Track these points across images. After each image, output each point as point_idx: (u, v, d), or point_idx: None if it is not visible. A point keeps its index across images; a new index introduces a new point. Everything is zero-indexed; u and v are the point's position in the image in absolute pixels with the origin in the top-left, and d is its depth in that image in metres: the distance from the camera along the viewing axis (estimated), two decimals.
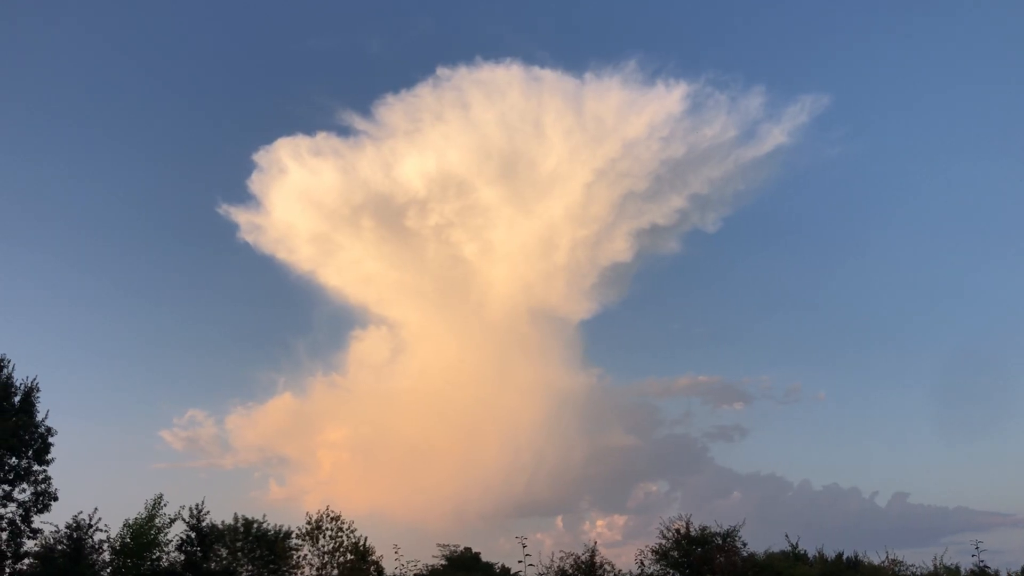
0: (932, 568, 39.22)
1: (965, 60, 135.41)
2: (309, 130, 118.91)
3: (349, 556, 40.20)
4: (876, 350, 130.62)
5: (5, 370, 36.85)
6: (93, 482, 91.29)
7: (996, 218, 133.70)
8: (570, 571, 41.26)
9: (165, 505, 38.62)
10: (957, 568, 39.66)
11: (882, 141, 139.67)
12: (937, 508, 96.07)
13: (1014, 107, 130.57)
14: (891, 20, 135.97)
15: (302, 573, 41.04)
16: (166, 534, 38.41)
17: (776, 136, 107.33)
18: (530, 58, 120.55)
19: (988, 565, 40.42)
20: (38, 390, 37.42)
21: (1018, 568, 44.75)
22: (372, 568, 40.54)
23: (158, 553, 38.04)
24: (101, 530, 36.78)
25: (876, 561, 41.30)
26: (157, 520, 38.09)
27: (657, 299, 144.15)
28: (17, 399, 36.71)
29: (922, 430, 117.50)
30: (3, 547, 35.13)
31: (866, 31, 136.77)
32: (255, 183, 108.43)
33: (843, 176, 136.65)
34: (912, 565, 39.80)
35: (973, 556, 39.32)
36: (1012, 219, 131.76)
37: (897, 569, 39.43)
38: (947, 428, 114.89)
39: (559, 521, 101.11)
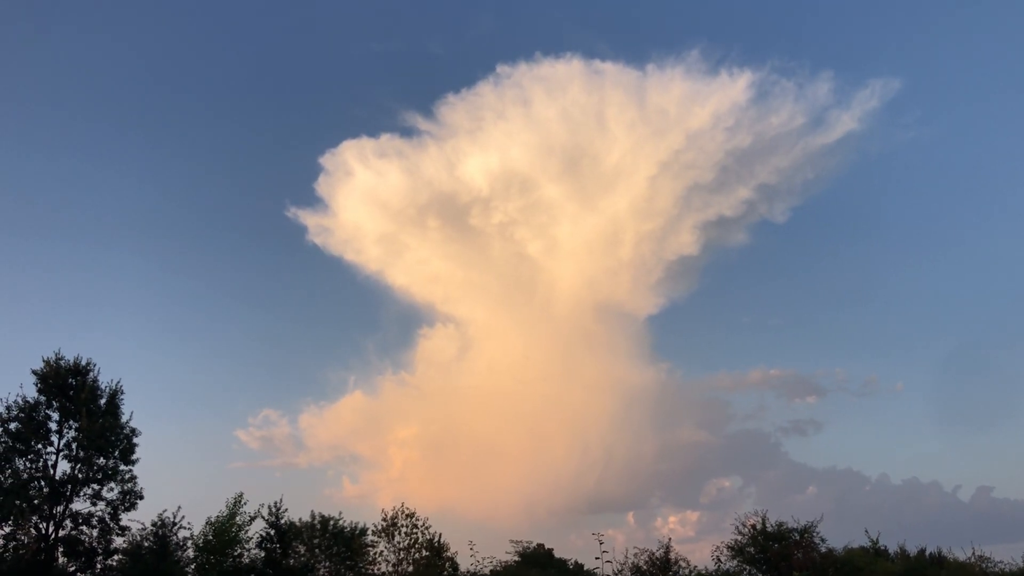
0: (1022, 564, 37.92)
1: None
2: (373, 132, 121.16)
3: (424, 552, 40.59)
4: (954, 340, 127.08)
5: (92, 374, 38.11)
6: (175, 481, 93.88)
7: None
8: (645, 568, 41.02)
9: (245, 503, 39.61)
10: None
11: (957, 125, 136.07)
12: None
13: None
14: None
15: (378, 569, 41.56)
16: (246, 531, 39.35)
17: (846, 122, 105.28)
18: (590, 52, 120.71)
19: None
20: (122, 392, 38.65)
21: None
22: (447, 564, 40.86)
23: (239, 550, 38.98)
24: (185, 528, 37.86)
25: (961, 557, 40.08)
26: (238, 518, 39.02)
27: (726, 292, 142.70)
28: (103, 401, 37.93)
29: (1006, 421, 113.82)
30: (94, 544, 36.37)
31: (935, 10, 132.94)
32: (322, 186, 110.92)
33: (917, 162, 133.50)
34: (1000, 562, 38.57)
35: None
36: None
37: (984, 566, 38.21)
38: None
39: (630, 517, 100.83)
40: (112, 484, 37.11)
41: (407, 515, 41.45)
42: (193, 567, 37.90)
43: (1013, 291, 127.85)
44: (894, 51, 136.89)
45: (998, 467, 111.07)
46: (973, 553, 39.44)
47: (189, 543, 37.99)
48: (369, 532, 42.44)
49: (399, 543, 41.10)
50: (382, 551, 41.60)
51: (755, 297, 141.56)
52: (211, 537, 38.17)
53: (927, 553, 44.04)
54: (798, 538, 40.69)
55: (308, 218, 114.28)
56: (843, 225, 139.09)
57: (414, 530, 41.16)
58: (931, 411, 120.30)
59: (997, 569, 38.02)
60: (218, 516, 38.84)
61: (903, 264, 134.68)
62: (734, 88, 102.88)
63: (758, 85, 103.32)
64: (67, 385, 37.32)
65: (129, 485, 37.58)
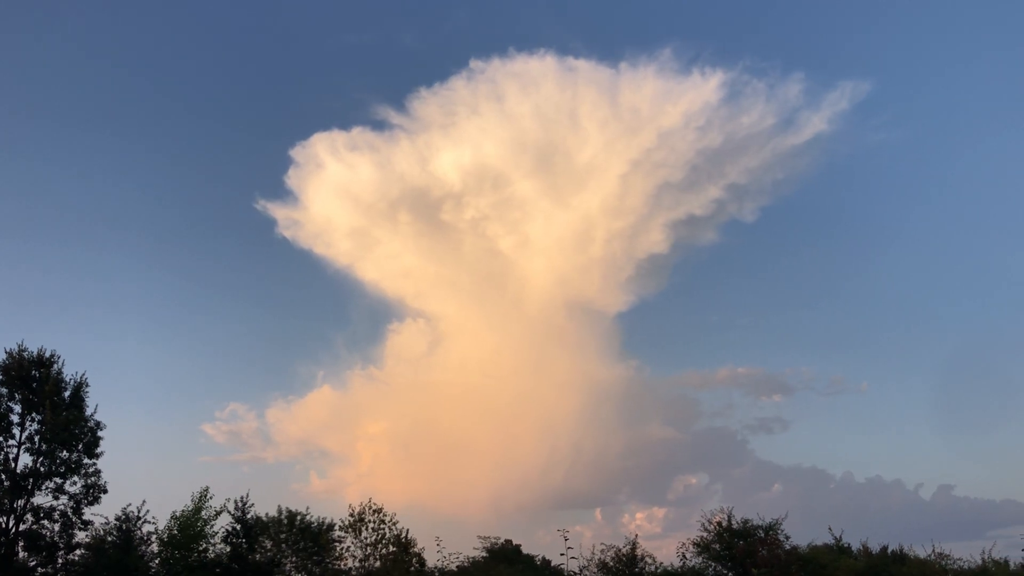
0: (980, 562, 38.52)
1: (1010, 43, 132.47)
2: (345, 125, 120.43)
3: (391, 548, 40.48)
4: (920, 340, 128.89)
5: (56, 366, 37.66)
6: (140, 475, 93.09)
7: None
8: (611, 564, 41.21)
9: (211, 498, 39.31)
10: (1006, 562, 38.89)
11: (925, 128, 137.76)
12: (984, 501, 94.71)
13: None
14: (931, 2, 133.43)
15: (345, 565, 41.43)
16: (212, 526, 39.07)
17: (816, 124, 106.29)
18: (564, 49, 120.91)
19: None
20: (87, 385, 38.25)
21: None
22: (414, 560, 40.80)
23: (205, 545, 38.66)
24: (149, 522, 37.67)
25: (922, 555, 40.65)
26: (203, 512, 38.69)
27: (695, 290, 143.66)
28: (67, 394, 37.50)
29: (967, 421, 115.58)
30: (56, 538, 35.96)
31: (906, 14, 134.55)
32: (292, 179, 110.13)
33: (885, 164, 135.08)
34: (959, 559, 39.13)
35: (1023, 550, 38.74)
36: None
37: (944, 563, 38.77)
38: (993, 419, 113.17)
39: (598, 513, 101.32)
40: (75, 478, 36.78)
41: (375, 510, 41.31)
42: (157, 562, 37.56)
43: (977, 292, 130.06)
44: (864, 54, 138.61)
45: (959, 466, 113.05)
46: (933, 550, 40.00)
47: (153, 538, 37.74)
48: (336, 527, 42.32)
49: (366, 538, 40.95)
50: (349, 546, 41.50)
51: (724, 296, 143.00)
52: (176, 532, 37.83)
53: (889, 550, 44.57)
54: (763, 535, 41.07)
55: (278, 211, 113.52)
56: (812, 225, 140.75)
57: (381, 525, 41.02)
58: (895, 410, 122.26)
59: (956, 566, 38.57)
60: (183, 510, 38.50)
61: (870, 265, 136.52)
62: (706, 87, 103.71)
63: (730, 85, 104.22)
64: (30, 377, 36.88)
65: (93, 479, 37.26)
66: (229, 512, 40.08)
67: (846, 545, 44.85)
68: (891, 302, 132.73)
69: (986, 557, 38.71)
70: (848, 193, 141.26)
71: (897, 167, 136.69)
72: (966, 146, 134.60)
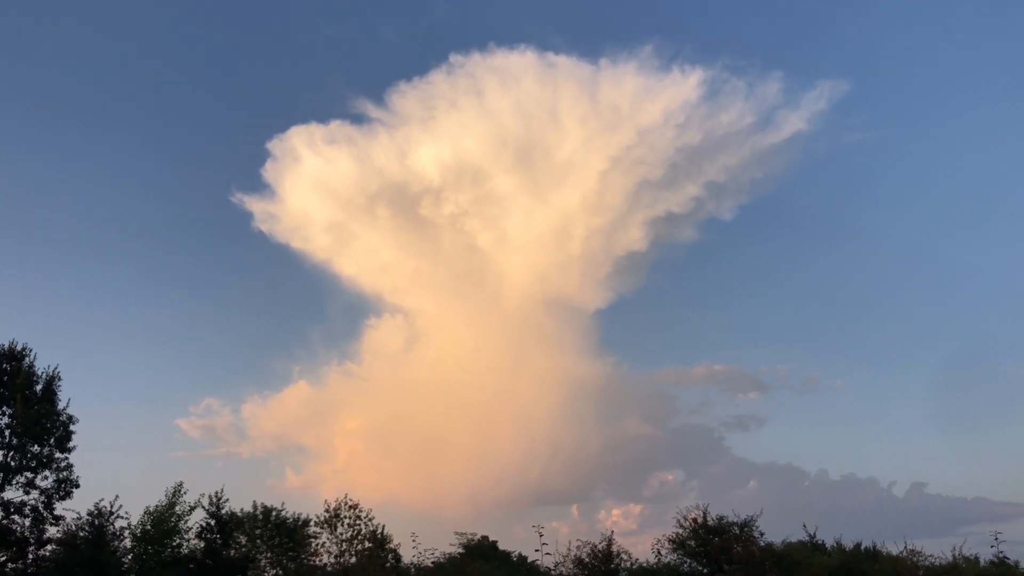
0: (951, 559, 38.94)
1: (988, 46, 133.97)
2: (323, 118, 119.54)
3: (367, 544, 40.36)
4: (895, 339, 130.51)
5: (27, 359, 37.21)
6: (115, 470, 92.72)
7: (1020, 206, 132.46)
8: (587, 560, 41.26)
9: (185, 493, 39.03)
10: (976, 559, 39.32)
11: (902, 128, 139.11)
12: (955, 498, 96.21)
13: None
14: (911, 3, 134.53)
15: (320, 561, 41.26)
16: (186, 522, 38.77)
17: (794, 123, 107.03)
18: (544, 44, 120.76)
19: (1008, 556, 40.22)
20: (59, 379, 37.80)
21: None
22: (390, 556, 40.70)
23: (178, 540, 38.37)
24: (122, 517, 37.21)
25: (894, 551, 41.04)
26: (177, 508, 38.40)
27: (673, 288, 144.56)
28: (39, 388, 37.05)
29: (940, 420, 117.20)
30: (26, 533, 35.54)
31: (885, 14, 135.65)
32: (269, 172, 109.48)
33: (862, 164, 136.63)
34: (931, 556, 39.52)
35: (992, 547, 39.17)
36: None
37: (916, 560, 39.15)
38: (965, 418, 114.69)
39: (575, 510, 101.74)
40: (47, 472, 36.35)
41: (350, 506, 41.17)
42: (130, 557, 37.22)
43: (952, 291, 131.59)
44: (843, 54, 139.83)
45: (932, 464, 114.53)
46: (905, 547, 40.36)
47: (126, 533, 37.35)
48: (312, 523, 42.13)
49: (342, 534, 40.80)
50: (324, 542, 41.31)
51: (701, 293, 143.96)
52: (149, 527, 37.51)
53: (862, 547, 45.04)
54: (738, 532, 41.30)
55: (254, 204, 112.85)
56: (789, 224, 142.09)
57: (357, 521, 40.88)
58: (869, 409, 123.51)
59: (927, 563, 38.96)
60: (157, 506, 38.21)
61: (846, 264, 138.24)
62: (685, 85, 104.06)
63: (709, 83, 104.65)
64: (1, 371, 36.37)
65: (65, 473, 36.87)
66: (203, 507, 39.81)
67: (820, 542, 45.19)
68: (866, 301, 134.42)
69: (957, 554, 39.16)
70: (825, 192, 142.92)
71: (874, 166, 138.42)
72: (942, 146, 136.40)
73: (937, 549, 40.32)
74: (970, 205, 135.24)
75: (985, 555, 39.42)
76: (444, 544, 48.19)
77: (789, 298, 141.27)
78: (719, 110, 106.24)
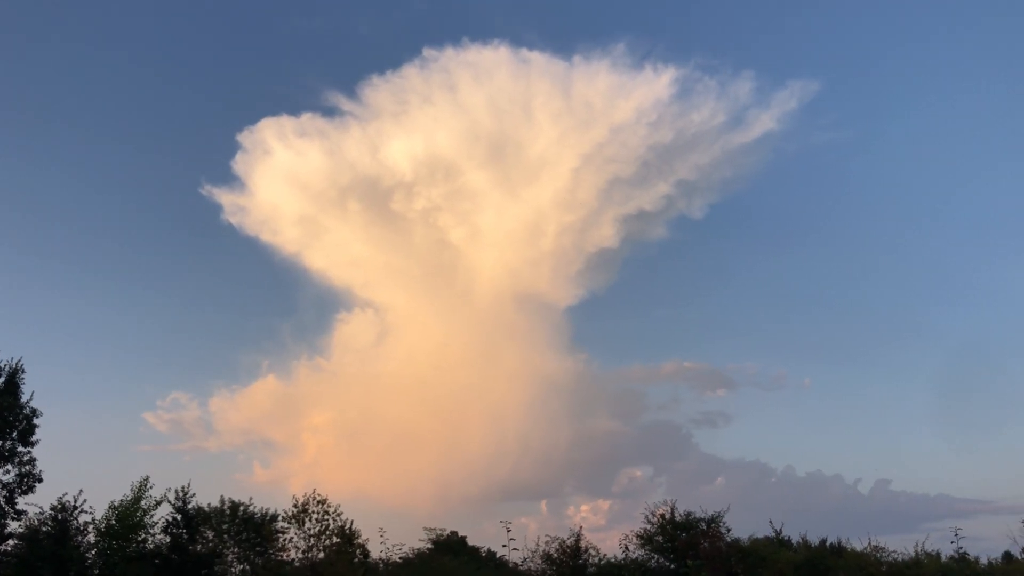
0: (914, 555, 39.54)
1: (957, 47, 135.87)
2: (294, 111, 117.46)
3: (335, 539, 40.22)
4: (861, 338, 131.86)
5: None
6: (79, 464, 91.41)
7: (986, 210, 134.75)
8: (555, 555, 41.47)
9: (151, 487, 38.56)
10: (938, 554, 39.97)
11: (872, 129, 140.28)
12: (919, 495, 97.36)
13: (1010, 96, 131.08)
14: (881, 4, 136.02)
15: (288, 556, 41.05)
16: (152, 516, 38.32)
17: (765, 122, 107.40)
18: (518, 40, 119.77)
19: (968, 552, 40.96)
20: (23, 372, 37.25)
21: (998, 554, 45.31)
22: (358, 551, 40.58)
23: (143, 535, 37.96)
24: (86, 512, 36.71)
25: (859, 547, 41.59)
26: (143, 502, 37.96)
27: (644, 285, 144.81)
28: (1, 381, 36.51)
29: (905, 417, 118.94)
30: None
31: (855, 15, 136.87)
32: (239, 164, 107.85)
33: (832, 164, 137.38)
34: (894, 551, 40.06)
35: (952, 543, 39.89)
36: (1000, 211, 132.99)
37: (879, 555, 39.73)
38: (930, 415, 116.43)
39: (543, 505, 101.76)
40: (9, 466, 35.83)
41: (318, 501, 40.95)
42: (94, 552, 36.80)
43: (919, 291, 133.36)
44: (814, 54, 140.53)
45: (896, 461, 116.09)
46: (869, 543, 40.95)
47: (90, 528, 36.87)
48: (280, 518, 41.87)
49: (309, 529, 40.59)
50: (292, 537, 41.07)
51: (672, 291, 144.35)
52: (114, 522, 37.07)
53: (828, 543, 45.56)
54: (705, 528, 41.73)
55: (223, 197, 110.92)
56: (758, 223, 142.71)
57: (325, 517, 40.68)
58: (836, 406, 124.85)
59: (891, 559, 39.53)
60: (122, 500, 37.73)
61: (814, 263, 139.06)
62: (658, 83, 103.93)
63: (681, 82, 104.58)
64: None
65: (27, 467, 36.34)
66: (169, 502, 39.40)
67: (786, 538, 45.72)
68: (834, 300, 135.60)
69: (919, 550, 39.78)
70: (795, 191, 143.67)
71: (843, 166, 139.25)
72: (912, 146, 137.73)
73: (900, 545, 40.90)
74: (938, 205, 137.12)
75: (946, 551, 40.18)
76: (413, 539, 48.12)
77: (758, 296, 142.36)
78: (691, 109, 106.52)
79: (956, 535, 39.47)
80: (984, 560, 42.38)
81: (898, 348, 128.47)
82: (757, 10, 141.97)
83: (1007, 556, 44.40)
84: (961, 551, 40.16)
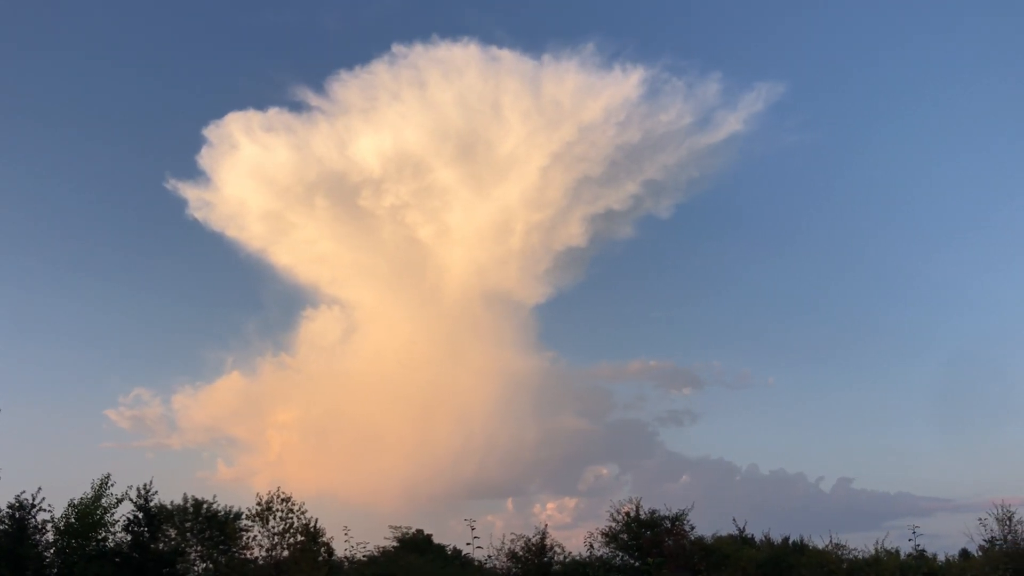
0: (873, 552, 40.17)
1: (923, 50, 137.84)
2: (261, 105, 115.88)
3: (299, 537, 39.92)
4: (824, 338, 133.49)
5: None
6: (38, 462, 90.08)
7: (945, 208, 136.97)
8: (520, 553, 41.56)
9: (112, 485, 37.96)
10: (897, 552, 40.69)
11: (837, 131, 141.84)
12: (880, 493, 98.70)
13: (974, 96, 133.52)
14: (846, 7, 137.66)
15: (252, 554, 40.73)
16: (113, 514, 37.75)
17: (732, 123, 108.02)
18: (488, 38, 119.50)
19: (925, 549, 41.76)
20: None
21: (956, 551, 46.23)
22: (322, 550, 40.35)
23: (104, 533, 37.40)
24: (45, 510, 36.09)
25: (820, 545, 42.18)
26: (104, 500, 37.40)
27: (611, 284, 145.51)
28: None
29: (867, 416, 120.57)
30: None
31: (822, 18, 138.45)
32: (205, 158, 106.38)
33: (797, 165, 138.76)
34: (855, 549, 40.74)
35: (910, 540, 40.64)
36: (961, 213, 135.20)
37: (840, 553, 40.31)
38: (891, 415, 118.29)
39: (510, 503, 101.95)
40: None
41: (283, 499, 40.61)
42: (53, 551, 36.25)
43: (881, 292, 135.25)
44: (780, 56, 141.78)
45: (858, 460, 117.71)
46: (831, 541, 41.56)
47: (49, 526, 36.26)
48: (243, 516, 41.52)
49: (273, 528, 40.24)
50: (256, 536, 40.71)
51: (638, 290, 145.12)
52: (73, 520, 36.51)
53: (790, 541, 46.22)
54: (670, 526, 42.05)
55: (189, 191, 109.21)
56: (724, 223, 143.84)
57: (290, 515, 40.34)
58: (799, 405, 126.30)
59: (851, 556, 40.14)
60: (82, 498, 37.14)
61: (779, 263, 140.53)
62: (626, 83, 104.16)
63: (650, 82, 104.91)
64: None
65: None
66: (131, 500, 38.83)
67: (749, 536, 46.32)
68: (798, 300, 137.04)
69: (879, 547, 40.45)
70: (761, 193, 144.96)
71: (809, 168, 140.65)
72: (877, 149, 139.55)
73: (862, 543, 41.48)
74: (902, 208, 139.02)
75: (906, 548, 40.95)
76: (379, 538, 47.99)
77: (723, 296, 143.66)
78: (659, 109, 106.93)
79: (914, 533, 40.32)
80: (942, 557, 43.37)
81: (861, 348, 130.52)
82: (725, 12, 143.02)
83: (964, 553, 45.38)
84: (919, 548, 40.98)
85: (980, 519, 40.20)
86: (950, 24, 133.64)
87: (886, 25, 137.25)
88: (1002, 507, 40.02)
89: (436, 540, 51.94)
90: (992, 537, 40.17)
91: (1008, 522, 39.67)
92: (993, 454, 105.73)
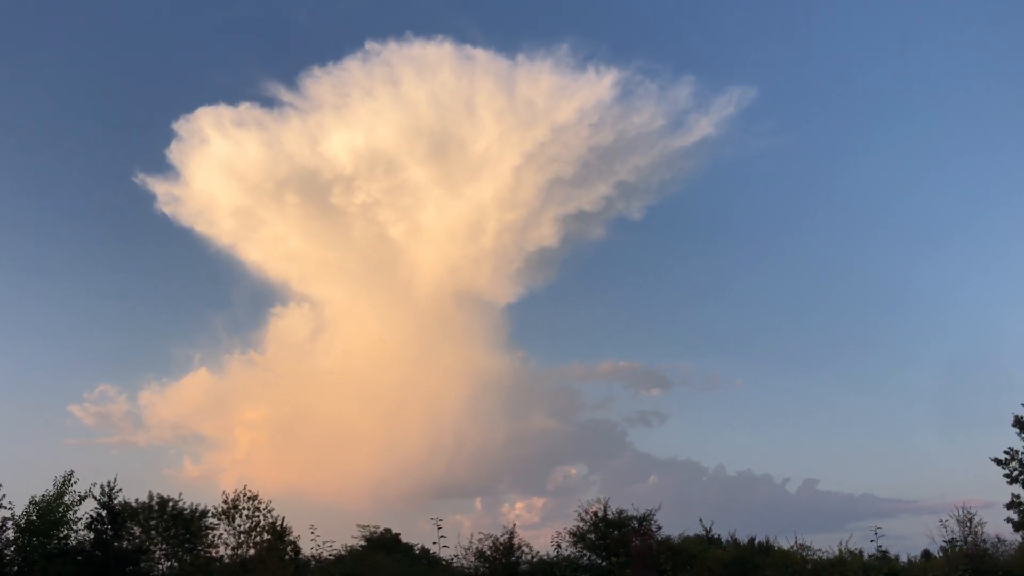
0: (838, 552, 40.68)
1: (893, 57, 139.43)
2: (232, 100, 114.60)
3: (266, 536, 39.70)
4: (792, 341, 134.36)
5: None
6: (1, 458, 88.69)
7: (921, 214, 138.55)
8: (488, 553, 41.59)
9: (76, 482, 37.55)
10: (860, 552, 41.28)
11: (807, 136, 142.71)
12: (844, 495, 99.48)
13: (948, 99, 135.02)
14: (818, 12, 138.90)
15: (217, 552, 40.44)
16: (75, 512, 37.36)
17: (704, 127, 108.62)
18: (462, 36, 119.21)
19: (888, 550, 42.42)
20: None
21: (918, 552, 47.00)
22: (289, 548, 40.14)
23: (66, 531, 36.99)
24: (5, 507, 35.68)
25: (786, 546, 42.66)
26: (66, 498, 36.98)
27: (583, 285, 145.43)
28: None
29: (833, 419, 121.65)
30: None
31: (793, 23, 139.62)
32: (174, 153, 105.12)
33: (768, 170, 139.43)
34: (819, 550, 41.21)
35: (872, 541, 41.24)
36: (932, 217, 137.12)
37: (805, 553, 40.76)
38: (855, 417, 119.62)
39: (478, 503, 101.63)
40: None
41: (249, 497, 40.38)
42: (13, 549, 35.77)
43: (846, 295, 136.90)
44: (752, 61, 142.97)
45: (823, 461, 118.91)
46: (796, 542, 42.02)
47: (10, 524, 35.81)
48: (209, 514, 41.18)
49: (240, 526, 40.01)
50: (222, 534, 40.43)
51: (609, 291, 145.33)
52: (35, 518, 36.06)
53: (756, 542, 46.66)
54: (637, 526, 42.27)
55: (158, 186, 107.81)
56: (695, 226, 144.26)
57: (256, 513, 40.12)
58: (766, 407, 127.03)
59: (816, 556, 40.60)
60: (44, 495, 36.69)
61: (748, 266, 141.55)
62: (600, 85, 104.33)
63: (623, 84, 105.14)
64: None
65: None
66: (95, 497, 38.36)
67: (716, 536, 46.63)
68: (766, 303, 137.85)
69: (843, 548, 40.98)
70: (731, 196, 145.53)
71: (779, 172, 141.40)
72: (847, 154, 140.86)
73: (826, 544, 42.00)
74: (872, 213, 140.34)
75: (869, 549, 41.58)
76: (346, 537, 47.74)
77: (693, 298, 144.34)
78: (632, 111, 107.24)
79: (876, 534, 40.98)
80: (904, 558, 44.09)
81: (828, 352, 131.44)
82: (698, 16, 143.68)
83: (926, 554, 46.18)
84: (882, 549, 41.62)
85: (942, 520, 41.03)
86: (922, 29, 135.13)
87: (858, 31, 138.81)
88: (963, 509, 40.91)
89: (404, 539, 51.84)
90: (953, 538, 41.00)
91: (969, 523, 40.51)
92: (955, 457, 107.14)
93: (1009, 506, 40.42)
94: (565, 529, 43.45)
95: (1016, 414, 41.10)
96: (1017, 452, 40.65)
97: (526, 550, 42.41)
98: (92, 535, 37.99)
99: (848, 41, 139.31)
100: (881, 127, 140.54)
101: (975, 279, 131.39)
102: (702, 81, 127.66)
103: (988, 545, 40.88)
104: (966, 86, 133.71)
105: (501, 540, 41.88)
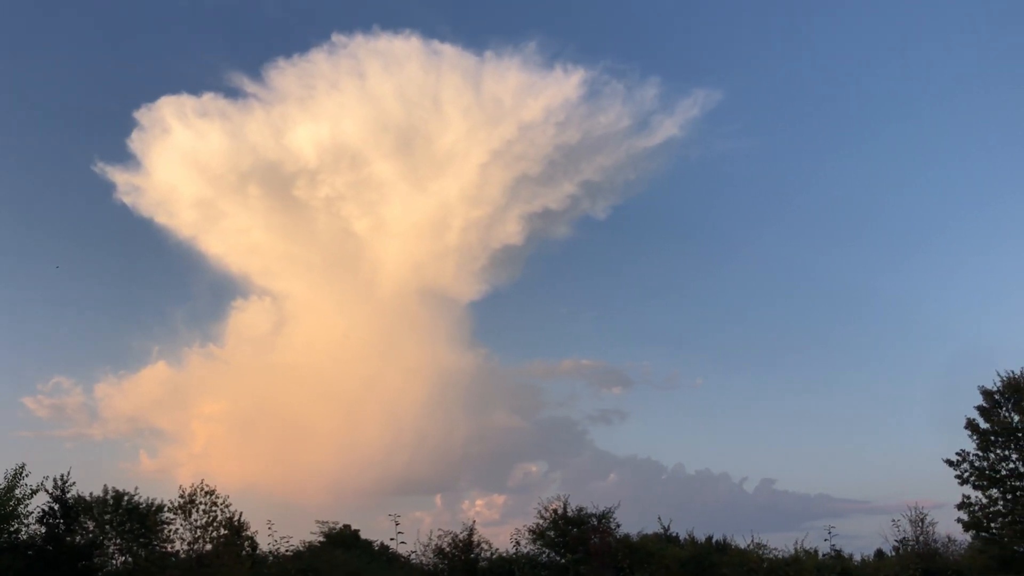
0: (793, 551, 41.17)
1: (852, 61, 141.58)
2: (195, 90, 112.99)
3: (222, 531, 39.28)
4: (752, 342, 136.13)
5: None
6: None
7: (876, 218, 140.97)
8: (447, 549, 41.52)
9: (27, 475, 36.84)
10: (815, 551, 41.82)
11: (770, 139, 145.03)
12: (800, 495, 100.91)
13: (909, 106, 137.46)
14: (783, 18, 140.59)
15: (173, 547, 39.94)
16: (27, 506, 36.69)
17: (668, 128, 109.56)
18: (430, 31, 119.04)
19: (842, 549, 43.06)
20: None
21: (871, 551, 47.80)
22: (246, 544, 39.76)
23: (17, 525, 36.33)
24: None
25: (742, 544, 43.12)
26: (17, 491, 36.28)
27: (547, 283, 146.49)
28: None
29: (790, 420, 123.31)
30: None
31: (761, 28, 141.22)
32: (135, 142, 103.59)
33: (731, 172, 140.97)
34: (775, 549, 41.69)
35: (826, 540, 41.83)
36: (891, 220, 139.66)
37: (761, 552, 41.21)
38: (813, 419, 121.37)
39: (438, 499, 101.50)
40: None
41: (206, 492, 39.92)
42: None
43: (806, 296, 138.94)
44: (718, 64, 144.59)
45: (780, 461, 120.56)
46: (752, 540, 42.49)
47: None
48: (166, 509, 40.66)
49: (196, 521, 39.54)
50: (178, 529, 39.94)
51: (573, 289, 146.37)
52: None
53: (713, 540, 47.08)
54: (596, 523, 42.48)
55: (117, 175, 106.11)
56: (658, 227, 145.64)
57: (213, 508, 39.69)
58: (725, 407, 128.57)
59: (772, 555, 41.06)
60: None
61: (710, 267, 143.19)
62: (567, 84, 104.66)
63: (590, 83, 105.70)
64: None
65: None
66: (47, 491, 37.78)
67: (674, 534, 47.02)
68: (727, 304, 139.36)
69: (798, 547, 41.49)
70: (695, 197, 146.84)
71: (744, 175, 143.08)
72: (811, 157, 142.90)
73: (782, 543, 42.51)
74: (835, 217, 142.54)
75: (824, 548, 42.13)
76: (305, 532, 47.36)
77: (656, 298, 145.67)
78: (598, 111, 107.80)
79: (830, 534, 41.53)
80: (858, 557, 44.78)
81: (786, 355, 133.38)
82: (665, 18, 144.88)
83: (879, 553, 46.99)
84: (836, 548, 42.22)
85: (894, 520, 41.84)
86: (890, 34, 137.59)
87: (824, 36, 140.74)
88: (915, 509, 41.80)
89: (363, 536, 51.61)
90: (905, 538, 41.82)
91: (920, 523, 41.43)
92: (909, 458, 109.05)
93: (960, 507, 41.28)
94: (525, 526, 43.59)
95: (968, 416, 41.94)
96: (968, 454, 41.49)
97: (485, 547, 42.40)
98: (44, 529, 37.43)
99: (814, 45, 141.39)
100: (846, 131, 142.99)
101: (933, 284, 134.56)
102: (668, 83, 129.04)
103: (939, 545, 41.83)
104: (937, 90, 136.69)
105: (460, 537, 41.81)
